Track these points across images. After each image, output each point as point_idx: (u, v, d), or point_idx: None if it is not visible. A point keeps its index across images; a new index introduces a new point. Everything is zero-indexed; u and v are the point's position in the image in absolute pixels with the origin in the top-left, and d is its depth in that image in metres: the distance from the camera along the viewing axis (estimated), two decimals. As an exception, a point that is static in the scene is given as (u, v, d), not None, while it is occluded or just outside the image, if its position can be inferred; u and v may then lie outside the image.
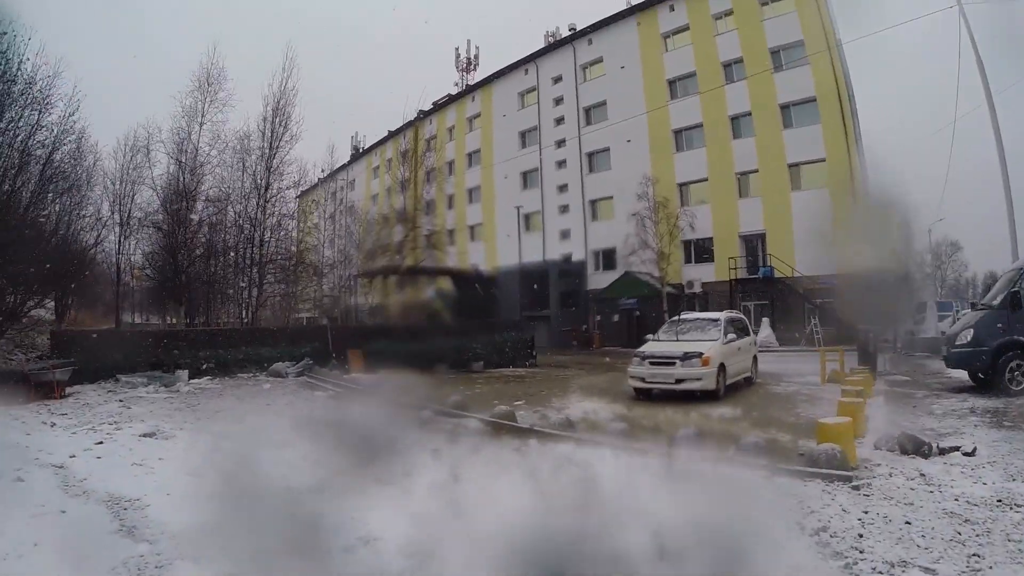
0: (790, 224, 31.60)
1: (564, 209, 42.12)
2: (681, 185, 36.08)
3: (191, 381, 17.22)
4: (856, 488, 6.04)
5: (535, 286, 36.85)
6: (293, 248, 33.92)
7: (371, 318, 37.21)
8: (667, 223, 33.20)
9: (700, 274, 34.28)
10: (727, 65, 35.65)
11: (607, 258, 38.74)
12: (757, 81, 34.13)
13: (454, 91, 52.64)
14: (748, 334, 15.75)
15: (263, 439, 7.79)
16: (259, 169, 27.99)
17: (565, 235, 41.33)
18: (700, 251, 35.42)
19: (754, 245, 33.53)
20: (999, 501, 5.55)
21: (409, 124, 42.07)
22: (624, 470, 6.67)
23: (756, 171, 33.92)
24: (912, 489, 6.01)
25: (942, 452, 7.30)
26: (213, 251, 27.66)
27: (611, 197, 39.02)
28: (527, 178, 44.66)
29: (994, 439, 8.14)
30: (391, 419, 7.79)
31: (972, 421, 9.55)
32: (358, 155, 58.76)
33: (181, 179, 26.99)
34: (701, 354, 12.61)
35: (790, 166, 32.82)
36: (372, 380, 17.76)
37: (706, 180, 35.52)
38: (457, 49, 54.83)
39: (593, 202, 40.75)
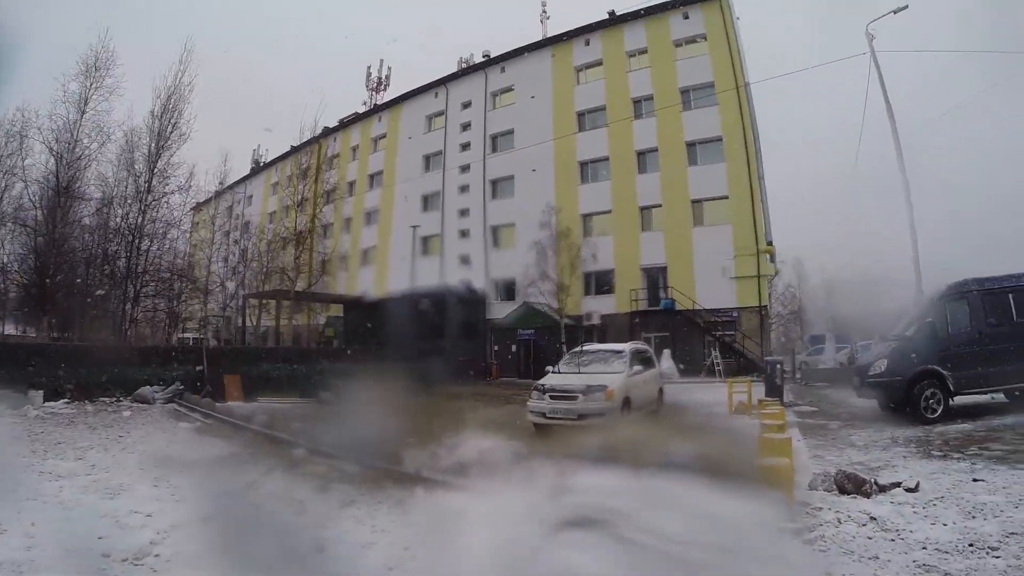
0: (691, 258, 31.59)
1: (465, 233, 40.84)
2: (585, 216, 35.51)
3: (44, 404, 14.95)
4: (808, 543, 4.92)
5: (429, 314, 35.32)
6: (178, 261, 31.36)
7: (256, 341, 34.94)
8: (568, 253, 32.38)
9: (600, 306, 33.56)
10: (637, 101, 35.76)
11: (508, 288, 37.62)
12: (665, 118, 34.26)
13: (362, 110, 51.13)
14: (653, 365, 14.75)
15: (99, 483, 7.04)
16: (143, 169, 25.50)
17: (465, 260, 39.97)
18: (600, 283, 34.80)
19: (655, 278, 33.17)
20: (970, 545, 4.67)
21: (312, 140, 39.95)
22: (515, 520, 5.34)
23: (659, 205, 33.76)
24: (869, 538, 5.04)
25: (882, 489, 6.32)
26: (88, 257, 24.82)
27: (513, 224, 38.06)
28: (428, 201, 43.25)
29: (930, 471, 7.31)
30: (254, 460, 7.63)
31: (899, 452, 8.75)
32: (258, 169, 56.14)
33: (58, 172, 24.25)
34: (605, 387, 11.57)
35: (693, 202, 32.83)
36: (247, 410, 15.85)
37: (610, 212, 35.12)
38: (369, 68, 53.52)
39: (495, 228, 39.64)
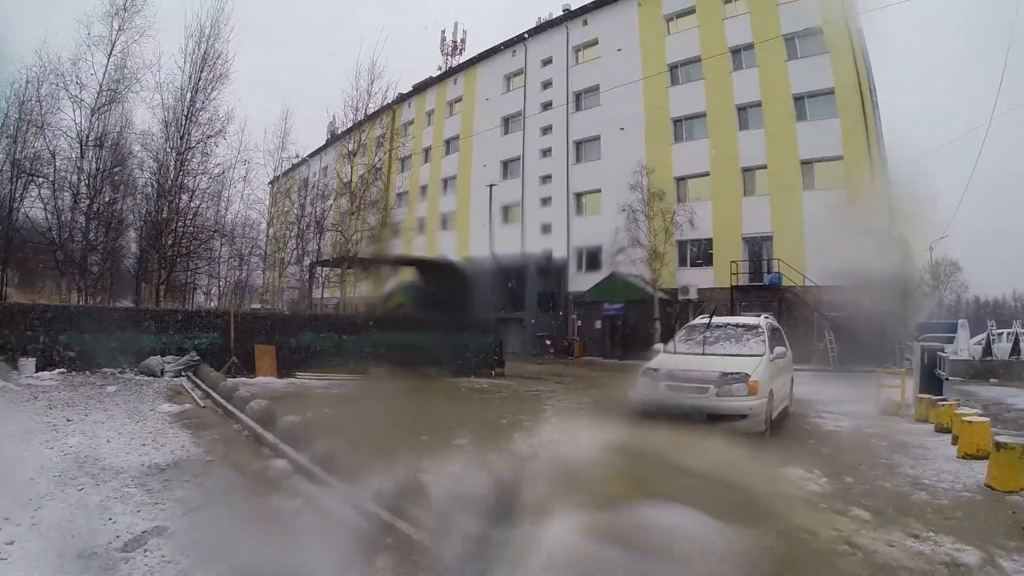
0: (801, 227, 27.93)
1: (546, 201, 38.15)
2: (679, 179, 32.20)
3: (37, 373, 13.36)
4: None
5: (510, 284, 32.84)
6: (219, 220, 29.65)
7: (299, 308, 33.05)
8: (662, 219, 29.29)
9: (696, 279, 30.34)
10: (736, 51, 31.92)
11: (591, 258, 34.79)
12: (768, 68, 30.46)
13: (436, 75, 48.80)
14: (786, 347, 11.33)
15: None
16: (177, 115, 23.58)
17: (546, 230, 37.35)
18: (697, 253, 31.51)
19: (759, 249, 29.66)
20: None
21: (387, 107, 37.76)
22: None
23: (764, 167, 30.13)
24: None
25: None
26: (113, 212, 23.14)
27: (599, 190, 35.25)
28: (508, 167, 40.69)
29: None
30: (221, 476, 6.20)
31: None
32: (333, 139, 54.66)
33: (79, 122, 22.65)
34: (746, 377, 8.71)
35: (803, 163, 29.07)
36: (272, 387, 13.75)
37: (707, 175, 31.63)
38: (444, 32, 51.31)
39: (579, 195, 36.84)
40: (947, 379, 13.71)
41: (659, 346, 11.28)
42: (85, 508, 5.02)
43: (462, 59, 48.23)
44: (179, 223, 23.51)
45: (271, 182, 36.58)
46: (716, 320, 11.01)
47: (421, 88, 47.99)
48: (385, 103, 31.70)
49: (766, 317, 11.50)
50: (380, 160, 35.71)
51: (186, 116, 23.45)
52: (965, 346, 24.63)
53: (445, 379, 17.58)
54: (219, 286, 32.39)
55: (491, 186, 34.60)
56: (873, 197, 27.07)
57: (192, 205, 24.48)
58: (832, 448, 9.13)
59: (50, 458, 6.64)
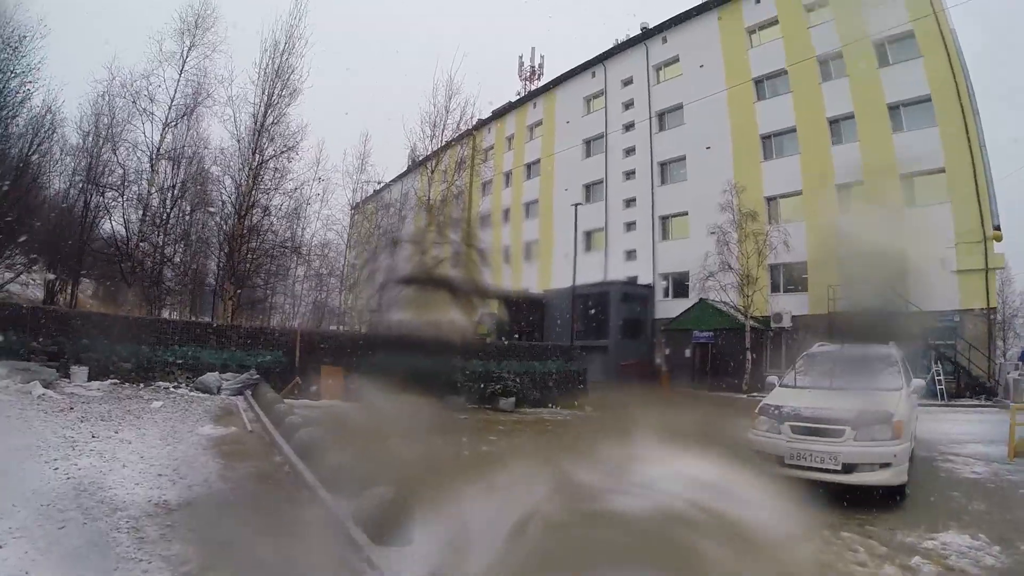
0: (901, 247, 25.96)
1: (631, 226, 37.19)
2: (769, 199, 30.74)
3: (87, 383, 13.30)
4: None
5: (592, 311, 32.00)
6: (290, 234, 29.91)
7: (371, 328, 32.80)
8: (754, 241, 27.92)
9: (789, 304, 28.74)
10: (823, 61, 30.31)
11: (678, 284, 33.69)
12: (860, 77, 28.76)
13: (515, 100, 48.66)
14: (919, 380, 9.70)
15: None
16: (248, 129, 23.86)
17: (631, 255, 36.41)
18: (790, 277, 29.91)
19: (848, 273, 27.80)
20: None
21: (467, 133, 37.73)
22: None
23: (860, 182, 28.33)
24: None
25: None
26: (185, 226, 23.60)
27: (686, 213, 34.12)
28: (590, 191, 40.00)
29: None
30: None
31: None
32: (415, 165, 55.21)
33: (151, 136, 23.32)
34: (890, 416, 7.40)
35: (902, 177, 27.16)
36: (336, 411, 13.31)
37: (800, 192, 30.05)
38: (521, 57, 51.19)
39: (664, 218, 35.76)
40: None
41: (773, 378, 10.00)
42: (47, 555, 4.30)
43: (540, 84, 47.95)
44: (252, 239, 23.66)
45: (353, 207, 36.89)
46: (838, 349, 9.88)
47: (500, 114, 47.86)
48: (463, 119, 31.27)
49: (893, 346, 10.14)
50: (462, 182, 35.70)
51: (258, 130, 23.59)
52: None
53: (523, 409, 16.97)
54: (294, 305, 32.68)
55: (576, 205, 33.84)
56: (976, 211, 25.21)
57: (266, 222, 24.65)
58: (984, 503, 7.94)
59: (50, 481, 6.06)
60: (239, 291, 23.51)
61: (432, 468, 7.14)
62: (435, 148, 28.81)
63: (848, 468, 7.21)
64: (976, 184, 25.48)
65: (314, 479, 6.28)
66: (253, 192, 23.68)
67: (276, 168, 25.06)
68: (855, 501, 7.17)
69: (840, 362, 9.35)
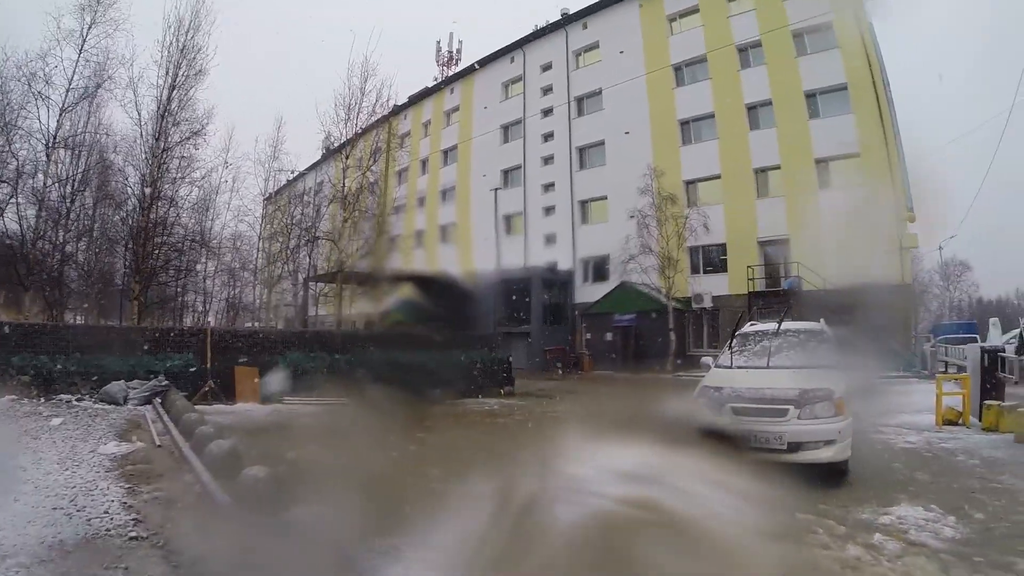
0: (819, 228, 26.56)
1: (550, 210, 36.78)
2: (688, 183, 30.77)
3: None
4: None
5: (514, 297, 31.36)
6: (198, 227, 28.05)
7: (288, 324, 31.21)
8: (674, 224, 27.91)
9: (710, 286, 28.88)
10: (743, 49, 30.63)
11: (598, 268, 33.43)
12: (778, 65, 29.18)
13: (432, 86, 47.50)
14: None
15: None
16: (151, 113, 22.09)
17: (550, 240, 35.96)
18: (709, 259, 30.08)
19: (775, 252, 28.22)
20: None
21: (383, 119, 36.42)
22: None
23: (778, 167, 28.75)
24: None
25: None
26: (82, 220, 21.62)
27: (605, 197, 33.90)
28: (509, 176, 39.35)
29: None
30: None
31: None
32: (328, 153, 53.34)
33: (46, 122, 21.28)
34: (832, 394, 7.21)
35: (818, 161, 27.68)
36: (253, 415, 12.18)
37: (718, 177, 30.25)
38: (439, 42, 50.03)
39: (584, 203, 35.45)
40: (1016, 382, 12.37)
41: (708, 359, 9.84)
42: None
43: (458, 70, 47.04)
44: (157, 233, 21.88)
45: (266, 198, 35.12)
46: (768, 327, 9.50)
47: (416, 99, 46.65)
48: (379, 101, 29.80)
49: (822, 322, 9.87)
50: (377, 171, 34.46)
51: (162, 115, 21.83)
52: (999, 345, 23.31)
53: (450, 401, 16.04)
54: (205, 303, 30.81)
55: (495, 190, 33.15)
56: (891, 194, 25.82)
57: (171, 214, 22.92)
58: (925, 472, 7.79)
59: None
60: (146, 290, 21.75)
61: (363, 467, 6.48)
62: (350, 133, 27.37)
63: (793, 447, 7.03)
64: (891, 168, 26.07)
65: (226, 499, 5.38)
66: (158, 182, 21.95)
67: (182, 156, 23.45)
68: (801, 480, 6.69)
69: (773, 340, 9.02)
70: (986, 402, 11.18)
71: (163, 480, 7.00)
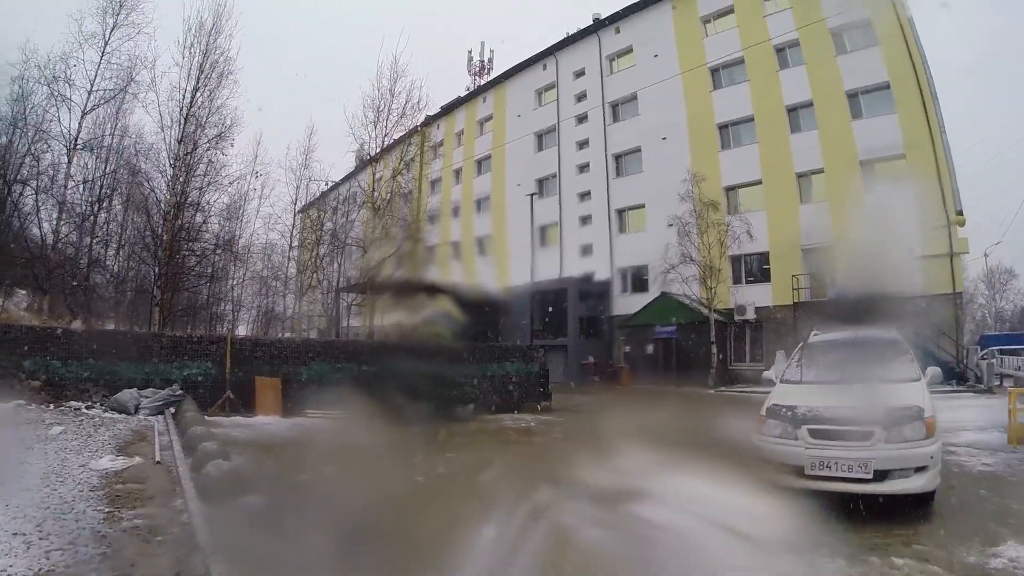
0: (865, 233, 25.43)
1: (586, 220, 36.11)
2: (728, 189, 29.92)
3: None
4: None
5: (550, 308, 30.74)
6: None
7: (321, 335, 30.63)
8: (716, 232, 27.07)
9: (753, 296, 27.98)
10: (780, 49, 29.69)
11: (636, 278, 32.63)
12: (817, 65, 28.21)
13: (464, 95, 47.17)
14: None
15: None
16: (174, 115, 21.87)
17: (587, 250, 35.28)
18: (752, 269, 29.19)
19: (820, 260, 27.17)
20: None
21: (414, 131, 36.11)
22: None
23: (821, 170, 27.73)
24: None
25: None
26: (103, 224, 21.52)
27: (643, 205, 33.14)
28: (543, 185, 38.72)
29: None
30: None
31: None
32: (363, 164, 53.21)
33: (69, 125, 21.26)
34: (921, 412, 6.23)
35: (862, 163, 26.64)
36: (273, 430, 11.69)
37: (759, 183, 29.35)
38: (470, 52, 49.86)
39: (620, 211, 34.73)
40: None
41: (770, 373, 8.85)
42: None
43: (490, 79, 46.64)
44: (182, 237, 21.67)
45: (299, 210, 34.85)
46: (839, 337, 8.47)
47: (449, 109, 46.38)
48: (408, 103, 29.03)
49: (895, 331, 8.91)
50: (409, 176, 34.10)
51: (184, 117, 21.67)
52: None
53: (484, 417, 15.48)
54: (234, 312, 30.59)
55: (531, 195, 32.51)
56: (939, 196, 24.72)
57: (198, 218, 22.76)
58: (1019, 502, 6.90)
59: None
60: (170, 296, 21.55)
61: (376, 512, 5.44)
62: (379, 136, 26.84)
63: (880, 475, 6.00)
64: (938, 170, 24.99)
65: (208, 539, 4.63)
66: (181, 186, 21.76)
67: (209, 160, 23.26)
68: (882, 513, 6.01)
69: (846, 352, 8.00)
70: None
71: (151, 504, 6.27)
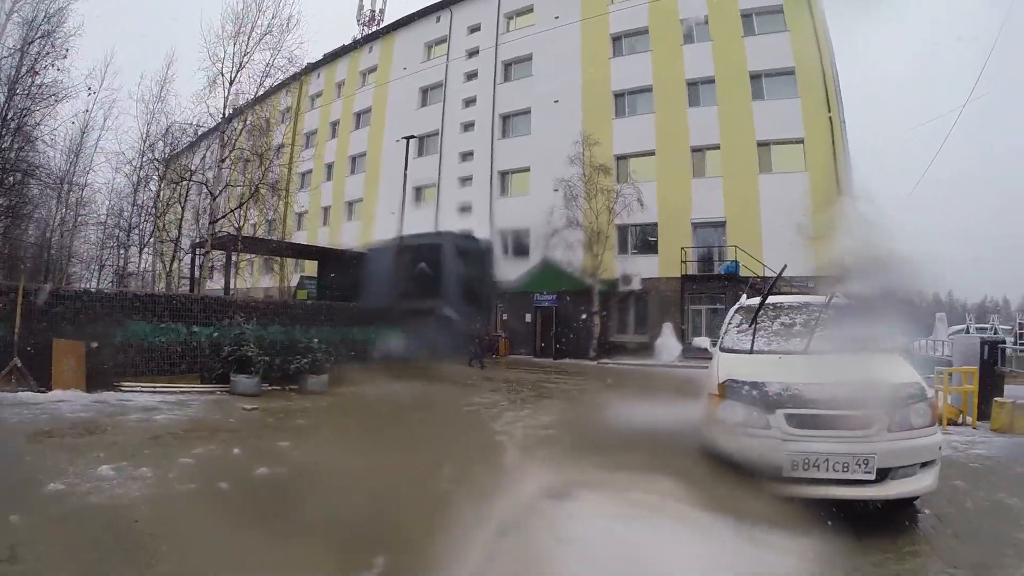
0: (757, 212, 24.87)
1: (466, 180, 33.86)
2: (620, 157, 28.47)
3: None
4: None
5: (421, 266, 28.04)
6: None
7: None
8: (605, 198, 25.57)
9: (639, 268, 26.64)
10: (686, 25, 28.55)
11: (518, 243, 30.62)
12: (723, 43, 27.40)
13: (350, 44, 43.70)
14: None
15: None
16: None
17: (465, 209, 33.01)
18: (640, 239, 27.91)
19: (710, 235, 26.25)
20: None
21: (293, 78, 32.10)
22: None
23: (717, 146, 26.80)
24: None
25: None
26: None
27: (528, 168, 31.23)
28: (424, 144, 36.00)
29: None
30: None
31: None
32: (234, 114, 48.45)
33: None
34: (925, 393, 4.68)
35: (760, 144, 25.92)
36: (55, 416, 8.37)
37: (652, 153, 28.07)
38: (361, 0, 46.21)
39: (504, 173, 32.68)
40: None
41: (701, 340, 7.32)
42: None
43: (379, 28, 43.44)
44: None
45: (163, 163, 29.51)
46: (792, 299, 6.79)
47: (332, 58, 42.89)
48: (276, 19, 24.97)
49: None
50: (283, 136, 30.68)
51: (7, 13, 17.64)
52: (943, 339, 22.16)
53: (338, 389, 12.67)
54: (61, 262, 25.95)
55: (407, 138, 29.77)
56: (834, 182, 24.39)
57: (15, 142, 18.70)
58: (1005, 493, 5.55)
59: None
60: None
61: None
62: (239, 52, 22.95)
63: (882, 474, 4.37)
64: (835, 155, 24.66)
65: None
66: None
67: (33, 70, 19.25)
68: (869, 524, 4.51)
69: (799, 316, 6.19)
70: (996, 399, 9.53)
71: None
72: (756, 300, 6.62)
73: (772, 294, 6.49)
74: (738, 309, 6.74)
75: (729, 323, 6.51)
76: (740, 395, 4.82)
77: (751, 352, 5.64)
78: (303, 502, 4.63)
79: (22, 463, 5.67)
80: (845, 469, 4.30)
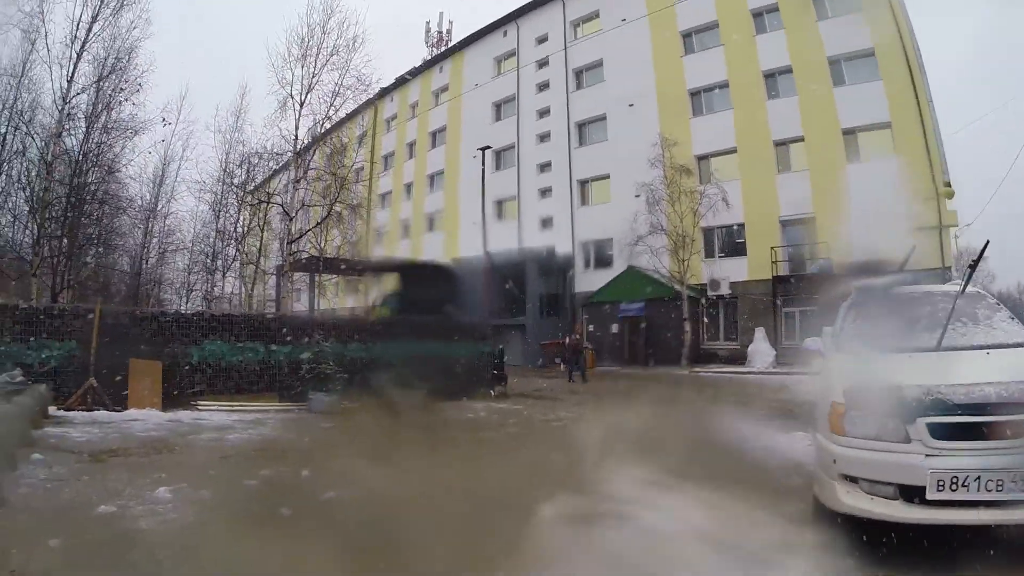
0: (848, 205, 23.80)
1: (546, 192, 33.78)
2: (700, 158, 27.79)
3: None
4: None
5: (507, 285, 28.13)
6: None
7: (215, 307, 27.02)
8: (689, 200, 25.01)
9: (727, 271, 25.94)
10: (758, 14, 27.71)
11: (601, 253, 30.30)
12: (797, 30, 26.31)
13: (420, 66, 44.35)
14: None
15: None
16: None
17: (547, 224, 32.92)
18: (727, 241, 27.22)
19: (799, 233, 25.29)
20: None
21: (367, 104, 32.78)
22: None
23: (801, 139, 25.82)
24: None
25: None
26: None
27: (607, 176, 30.90)
28: (501, 157, 36.20)
29: None
30: None
31: None
32: (312, 142, 49.82)
33: None
34: None
35: (845, 132, 24.80)
36: (129, 435, 8.53)
37: (734, 151, 27.33)
38: (428, 23, 46.94)
39: (583, 182, 32.44)
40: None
41: (813, 341, 5.73)
42: None
43: (447, 48, 43.93)
44: (75, 196, 18.37)
45: (249, 192, 30.48)
46: (905, 290, 5.96)
47: (403, 81, 43.59)
48: (341, 38, 25.22)
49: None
50: (361, 160, 31.19)
51: (78, 52, 18.40)
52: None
53: (426, 406, 12.41)
54: (145, 287, 27.14)
55: (483, 149, 29.94)
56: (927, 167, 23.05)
57: (93, 175, 19.50)
58: None
59: None
60: (62, 265, 18.24)
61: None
62: (307, 77, 23.57)
63: None
64: (925, 139, 23.31)
65: None
66: (62, 131, 18.45)
67: (107, 105, 20.06)
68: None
69: (924, 309, 5.27)
70: None
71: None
72: (881, 281, 5.76)
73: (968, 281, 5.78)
74: (851, 303, 5.79)
75: (844, 319, 5.66)
76: (870, 403, 4.03)
77: (881, 352, 4.70)
78: (371, 532, 3.99)
79: (77, 483, 5.55)
80: (999, 488, 3.53)
